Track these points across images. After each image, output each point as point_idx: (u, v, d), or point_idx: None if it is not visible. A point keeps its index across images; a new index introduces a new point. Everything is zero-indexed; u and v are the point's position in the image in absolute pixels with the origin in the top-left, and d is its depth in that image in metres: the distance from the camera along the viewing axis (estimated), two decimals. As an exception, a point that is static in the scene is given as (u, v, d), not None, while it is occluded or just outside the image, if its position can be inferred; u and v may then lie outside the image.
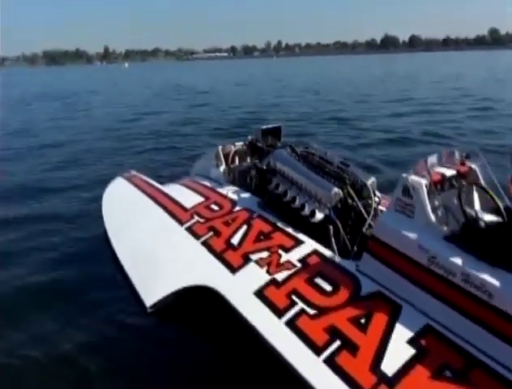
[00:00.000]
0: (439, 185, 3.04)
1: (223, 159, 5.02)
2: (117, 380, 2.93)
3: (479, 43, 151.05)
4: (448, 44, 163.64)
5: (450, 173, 3.08)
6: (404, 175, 2.97)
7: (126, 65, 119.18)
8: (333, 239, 3.43)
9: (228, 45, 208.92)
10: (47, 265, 4.47)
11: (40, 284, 4.10)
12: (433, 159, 3.10)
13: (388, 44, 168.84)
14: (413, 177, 2.91)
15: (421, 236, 2.72)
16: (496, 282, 2.31)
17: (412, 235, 2.75)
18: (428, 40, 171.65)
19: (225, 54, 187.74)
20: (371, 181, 3.69)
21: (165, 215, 4.37)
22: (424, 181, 2.87)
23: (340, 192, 3.60)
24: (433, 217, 2.77)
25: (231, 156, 5.07)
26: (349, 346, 2.53)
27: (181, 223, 4.17)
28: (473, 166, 3.14)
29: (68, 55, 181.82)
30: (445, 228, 2.83)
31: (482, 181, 3.09)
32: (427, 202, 2.80)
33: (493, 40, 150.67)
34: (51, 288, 4.05)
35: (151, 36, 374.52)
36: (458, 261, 2.48)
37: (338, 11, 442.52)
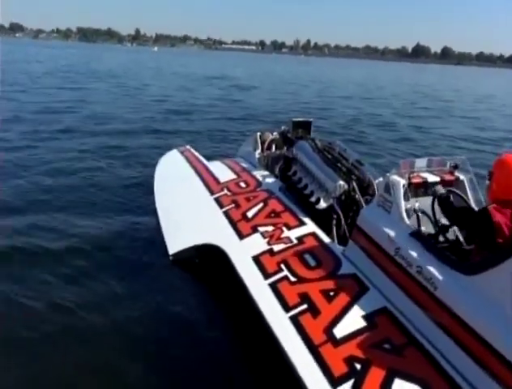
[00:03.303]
0: (422, 189, 3.42)
1: (260, 145, 5.75)
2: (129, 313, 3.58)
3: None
4: (481, 59, 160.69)
5: (432, 178, 3.44)
6: (388, 174, 3.39)
7: (156, 48, 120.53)
8: (334, 227, 3.94)
9: (256, 39, 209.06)
10: (98, 211, 5.52)
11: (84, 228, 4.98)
12: (421, 162, 3.47)
13: (419, 53, 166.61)
14: (394, 177, 3.31)
15: (392, 229, 3.15)
16: (441, 277, 2.72)
17: (386, 228, 3.19)
18: (461, 54, 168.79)
19: (253, 48, 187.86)
20: (378, 180, 4.14)
21: (201, 185, 5.23)
22: (402, 181, 3.27)
23: (346, 185, 4.07)
24: (404, 214, 3.18)
25: (267, 143, 5.76)
26: (313, 310, 3.05)
27: (212, 193, 4.98)
28: (461, 177, 3.49)
29: (100, 33, 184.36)
30: (423, 227, 3.22)
31: (469, 192, 3.42)
32: (402, 200, 3.21)
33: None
34: (95, 233, 4.90)
35: (182, 22, 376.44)
36: (415, 255, 2.91)
37: (369, 15, 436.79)
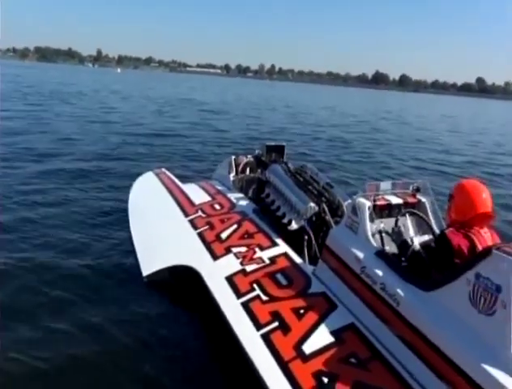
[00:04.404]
0: (386, 210, 3.68)
1: (234, 168, 5.95)
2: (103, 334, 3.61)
3: (466, 90, 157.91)
4: (436, 87, 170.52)
5: (396, 201, 3.71)
6: (354, 196, 3.64)
7: (119, 70, 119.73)
8: (305, 247, 4.13)
9: (221, 63, 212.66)
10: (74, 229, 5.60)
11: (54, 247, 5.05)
12: (386, 185, 3.75)
13: (379, 80, 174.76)
14: (360, 199, 3.56)
15: (358, 249, 3.38)
16: (403, 293, 2.95)
17: (352, 248, 3.42)
18: (418, 82, 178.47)
19: (219, 71, 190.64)
20: (347, 202, 4.37)
21: (176, 207, 5.32)
22: (368, 203, 3.52)
23: (316, 207, 4.30)
24: (369, 234, 3.42)
25: (241, 166, 5.97)
26: (284, 327, 3.21)
27: (186, 215, 5.12)
28: (423, 199, 3.77)
29: (60, 53, 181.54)
30: (388, 247, 3.45)
31: (430, 214, 3.69)
32: (367, 221, 3.45)
33: (480, 89, 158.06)
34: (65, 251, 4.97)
35: (145, 44, 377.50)
36: (380, 273, 3.15)
37: (331, 42, 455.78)
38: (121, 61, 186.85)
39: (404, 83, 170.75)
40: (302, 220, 4.29)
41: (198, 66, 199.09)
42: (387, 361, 2.87)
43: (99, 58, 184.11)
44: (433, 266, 3.01)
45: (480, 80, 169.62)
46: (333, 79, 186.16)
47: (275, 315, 3.32)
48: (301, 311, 3.32)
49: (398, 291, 2.97)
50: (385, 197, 3.69)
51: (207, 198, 5.42)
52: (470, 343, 2.51)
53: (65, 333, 3.55)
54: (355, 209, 3.54)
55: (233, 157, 6.03)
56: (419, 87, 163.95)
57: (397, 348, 2.89)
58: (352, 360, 2.90)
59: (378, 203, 3.61)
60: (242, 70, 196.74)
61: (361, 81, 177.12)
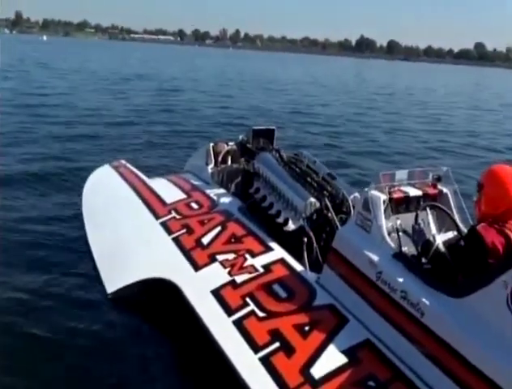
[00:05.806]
0: (403, 205, 3.70)
1: (213, 157, 5.84)
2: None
3: (463, 57, 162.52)
4: (430, 54, 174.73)
5: (414, 193, 3.72)
6: (366, 189, 3.65)
7: (45, 37, 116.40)
8: (305, 251, 4.12)
9: (174, 28, 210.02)
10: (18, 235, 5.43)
11: None
12: (402, 174, 3.75)
13: (364, 47, 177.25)
14: (373, 192, 3.57)
15: (373, 251, 3.40)
16: (428, 302, 2.98)
17: (366, 250, 3.43)
18: (408, 48, 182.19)
19: (171, 38, 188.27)
20: (352, 196, 4.38)
21: (143, 208, 5.22)
22: (383, 197, 3.53)
23: (317, 203, 4.29)
24: (386, 234, 3.44)
25: (222, 155, 5.85)
26: (286, 349, 3.22)
27: (157, 217, 5.02)
28: (445, 190, 3.81)
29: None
30: (406, 247, 3.44)
31: (453, 206, 3.73)
32: (382, 217, 3.47)
33: (479, 56, 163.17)
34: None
35: (78, 5, 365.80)
36: (399, 278, 3.18)
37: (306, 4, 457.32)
38: (47, 25, 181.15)
39: (393, 50, 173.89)
40: (301, 219, 4.29)
41: (146, 31, 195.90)
42: (411, 383, 2.91)
43: (18, 23, 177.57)
44: (460, 268, 3.07)
45: (479, 46, 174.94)
46: (310, 46, 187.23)
47: (276, 334, 3.32)
48: (306, 328, 3.33)
49: (423, 299, 3.01)
50: (401, 188, 3.71)
51: (181, 196, 5.35)
52: (510, 356, 2.55)
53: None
54: (367, 204, 3.55)
55: (211, 144, 5.95)
56: (410, 54, 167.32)
57: (422, 367, 2.93)
58: (371, 383, 2.94)
59: (395, 195, 3.63)
60: (200, 37, 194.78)
61: (344, 48, 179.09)
